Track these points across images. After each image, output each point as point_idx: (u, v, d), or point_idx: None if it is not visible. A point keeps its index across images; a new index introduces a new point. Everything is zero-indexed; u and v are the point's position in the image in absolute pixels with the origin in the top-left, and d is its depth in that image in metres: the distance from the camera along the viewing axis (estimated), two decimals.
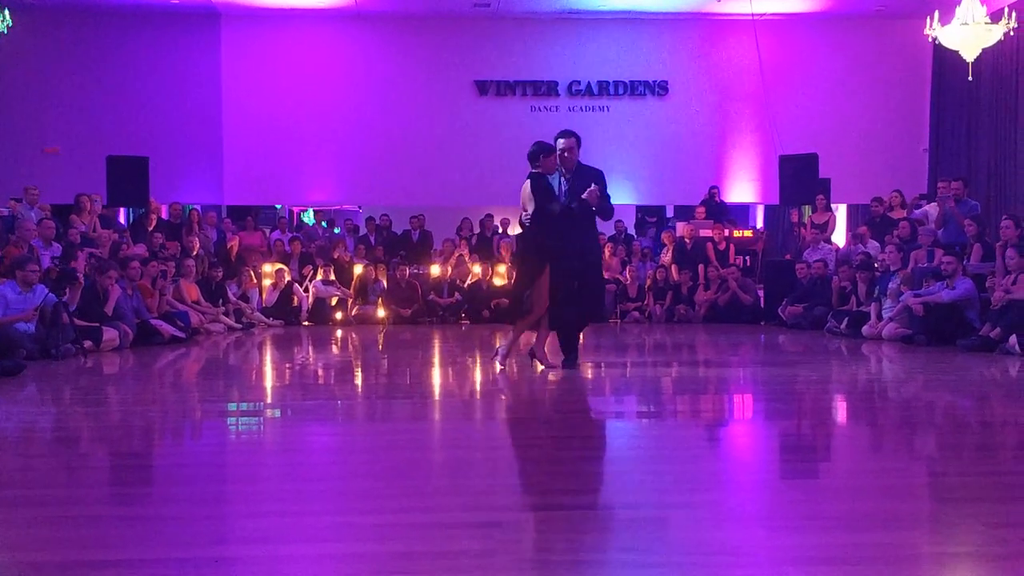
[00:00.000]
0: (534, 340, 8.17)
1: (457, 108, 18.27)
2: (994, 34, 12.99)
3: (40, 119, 17.47)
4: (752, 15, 17.45)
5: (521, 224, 8.24)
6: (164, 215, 16.00)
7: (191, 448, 5.19)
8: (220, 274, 14.10)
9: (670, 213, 18.98)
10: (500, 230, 17.52)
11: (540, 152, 8.01)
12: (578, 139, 8.19)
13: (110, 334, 10.26)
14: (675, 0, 17.45)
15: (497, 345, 8.22)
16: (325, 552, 3.07)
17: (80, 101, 17.52)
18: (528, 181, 7.99)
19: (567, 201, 7.94)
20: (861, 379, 8.33)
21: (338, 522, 3.42)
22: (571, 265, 7.88)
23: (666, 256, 16.41)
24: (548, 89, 18.36)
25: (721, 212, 17.22)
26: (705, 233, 16.29)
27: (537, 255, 7.92)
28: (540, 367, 7.99)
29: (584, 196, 7.80)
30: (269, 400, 6.85)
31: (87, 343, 9.77)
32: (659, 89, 18.43)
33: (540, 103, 18.35)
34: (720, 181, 18.04)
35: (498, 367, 8.00)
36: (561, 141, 8.10)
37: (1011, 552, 2.97)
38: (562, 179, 8.12)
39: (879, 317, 11.83)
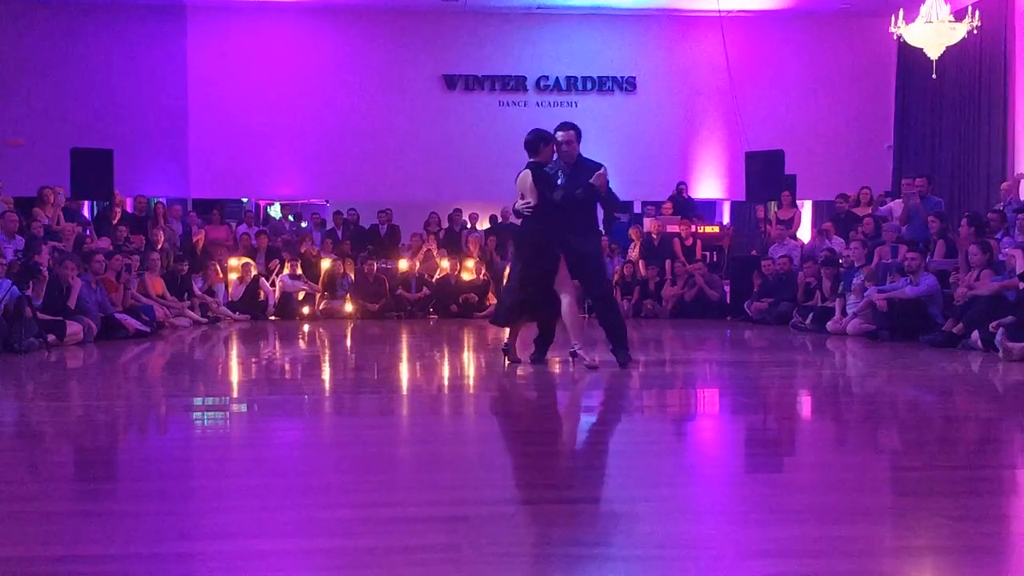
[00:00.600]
0: (506, 335, 8.13)
1: (425, 102, 18.25)
2: (958, 32, 13.13)
3: (3, 111, 17.33)
4: (719, 12, 17.53)
5: (517, 214, 8.04)
6: (129, 208, 15.87)
7: (156, 443, 5.16)
8: (186, 268, 14.01)
9: (637, 209, 19.02)
10: (468, 225, 17.51)
11: (540, 140, 7.86)
12: (578, 132, 8.04)
13: (74, 328, 10.17)
14: None
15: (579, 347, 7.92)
16: (291, 547, 3.06)
17: (44, 93, 17.36)
18: (528, 171, 7.83)
19: (572, 189, 7.77)
20: (826, 374, 8.40)
21: (304, 517, 3.41)
22: (573, 258, 7.81)
23: (633, 252, 16.46)
24: (516, 84, 18.38)
25: (688, 208, 17.29)
26: (672, 229, 16.36)
27: (545, 250, 7.76)
28: (508, 362, 7.96)
29: (592, 181, 7.69)
30: (235, 395, 6.82)
31: (50, 337, 9.68)
32: (627, 85, 18.50)
33: (508, 98, 18.36)
34: (687, 177, 18.13)
35: (586, 362, 7.80)
36: (560, 133, 7.97)
37: (972, 546, 3.01)
38: (560, 172, 7.97)
39: (844, 313, 11.93)
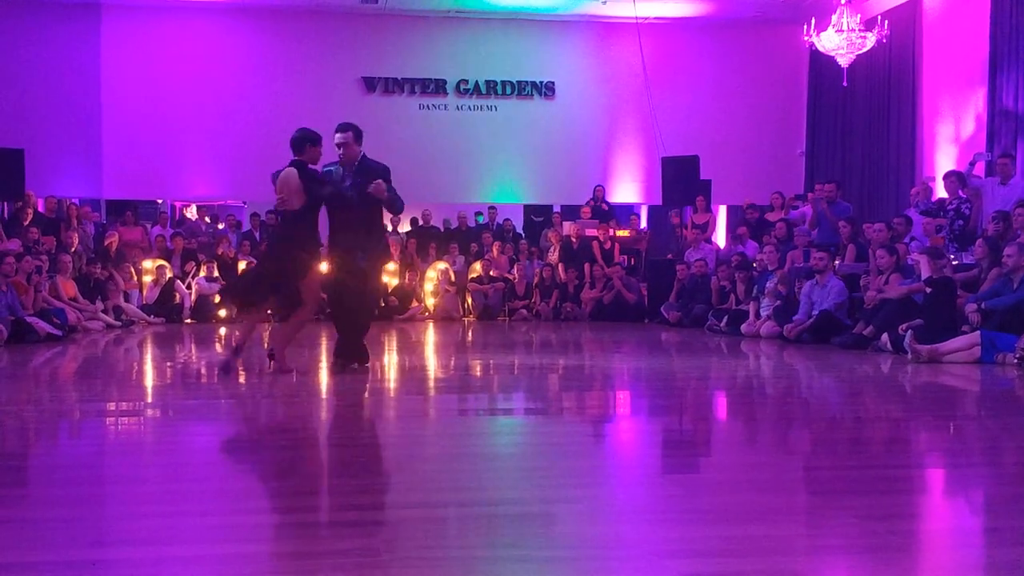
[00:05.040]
0: (269, 336, 7.93)
1: (344, 104, 18.06)
2: (867, 41, 13.44)
3: None
4: (636, 19, 17.70)
5: (276, 214, 7.94)
6: (41, 209, 15.51)
7: (68, 449, 5.06)
8: (107, 272, 13.79)
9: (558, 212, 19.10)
10: (391, 228, 17.43)
11: (305, 140, 7.68)
12: (357, 132, 7.85)
13: None
14: (562, 1, 17.61)
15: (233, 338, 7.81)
16: (207, 553, 3.03)
17: None
18: (291, 170, 7.59)
19: (344, 189, 7.62)
20: (740, 376, 8.53)
21: (220, 523, 3.38)
22: (353, 263, 7.62)
23: (553, 255, 16.56)
24: (436, 87, 18.34)
25: (607, 213, 17.42)
26: (591, 233, 16.47)
27: (305, 249, 7.55)
28: (274, 367, 7.68)
29: (370, 190, 7.48)
30: (149, 399, 6.71)
31: None
32: (546, 90, 18.57)
33: (428, 101, 18.32)
34: (605, 181, 18.26)
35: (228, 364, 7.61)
36: (338, 135, 7.80)
37: (881, 543, 3.09)
38: (345, 173, 7.76)
39: (757, 315, 12.14)
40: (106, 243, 15.37)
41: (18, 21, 17.12)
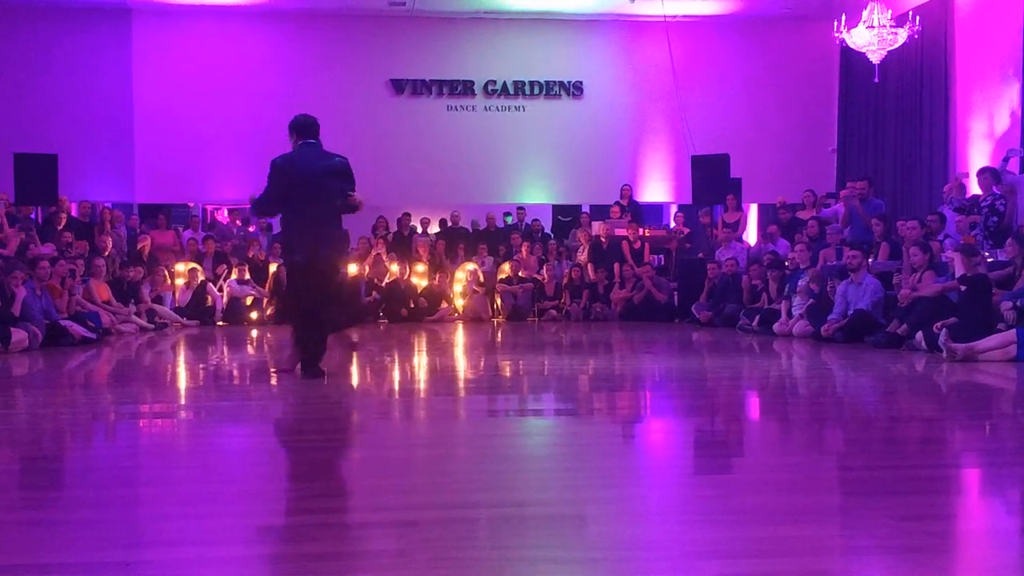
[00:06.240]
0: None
1: (372, 107, 18.18)
2: (899, 37, 13.33)
3: None
4: (665, 17, 17.65)
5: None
6: (74, 213, 15.66)
7: (102, 451, 5.09)
8: (139, 274, 13.89)
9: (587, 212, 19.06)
10: (420, 229, 17.48)
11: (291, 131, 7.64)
12: (289, 125, 7.71)
13: (19, 335, 10.02)
14: (590, 1, 17.58)
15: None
16: (238, 554, 3.04)
17: None
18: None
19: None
20: (772, 375, 8.48)
21: (253, 524, 3.39)
22: (312, 264, 7.44)
23: (582, 255, 16.52)
24: (464, 88, 18.37)
25: (636, 212, 17.38)
26: (620, 232, 16.43)
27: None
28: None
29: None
30: (182, 401, 6.75)
31: None
32: (574, 90, 18.55)
33: (456, 102, 18.35)
34: (634, 181, 18.22)
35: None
36: None
37: (917, 544, 3.05)
38: None
39: (789, 314, 12.06)
40: (139, 247, 15.49)
41: (50, 28, 17.29)
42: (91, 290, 12.72)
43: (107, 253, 14.19)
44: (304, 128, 7.57)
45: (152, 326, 13.58)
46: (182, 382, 8.09)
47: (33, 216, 15.41)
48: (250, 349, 11.21)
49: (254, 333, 13.21)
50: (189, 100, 17.60)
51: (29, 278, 10.87)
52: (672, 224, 17.69)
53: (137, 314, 13.53)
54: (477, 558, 2.96)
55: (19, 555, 3.00)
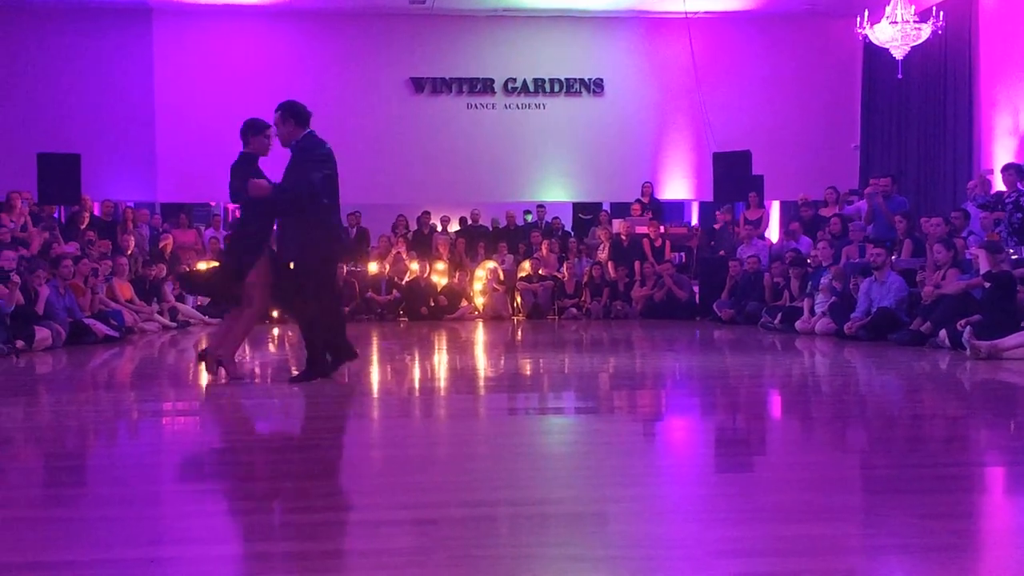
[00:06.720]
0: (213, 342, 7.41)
1: (393, 105, 18.21)
2: (922, 33, 13.25)
3: None
4: (686, 13, 17.60)
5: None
6: (96, 212, 15.76)
7: (125, 448, 5.12)
8: (162, 272, 13.96)
9: (607, 210, 19.05)
10: (440, 228, 17.50)
11: (248, 130, 7.21)
12: (284, 112, 7.11)
13: (42, 333, 10.09)
14: None
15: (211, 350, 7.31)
16: (258, 551, 3.05)
17: (10, 98, 17.18)
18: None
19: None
20: (795, 373, 8.44)
21: (272, 521, 3.40)
22: (295, 260, 7.06)
23: (602, 253, 16.49)
24: (484, 87, 18.37)
25: (657, 209, 17.34)
26: (641, 230, 16.39)
27: (252, 244, 7.07)
28: (224, 375, 7.18)
29: (250, 193, 6.93)
30: (204, 399, 6.77)
31: (19, 342, 9.60)
32: (595, 87, 18.52)
33: (476, 100, 18.35)
34: (655, 178, 18.17)
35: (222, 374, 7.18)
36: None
37: (940, 543, 3.03)
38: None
39: (811, 312, 12.01)
40: (160, 246, 15.56)
41: (71, 29, 17.40)
42: (114, 289, 12.79)
43: (129, 252, 14.26)
44: (307, 117, 7.21)
45: (175, 324, 13.64)
46: (203, 380, 8.12)
47: (56, 215, 15.51)
48: (271, 347, 11.24)
49: (275, 331, 13.25)
50: (210, 99, 17.66)
51: (52, 277, 10.95)
52: (694, 222, 17.65)
53: (160, 312, 13.60)
54: (497, 556, 2.95)
55: (43, 552, 3.02)
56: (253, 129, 7.23)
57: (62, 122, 17.02)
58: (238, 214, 7.62)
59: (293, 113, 7.10)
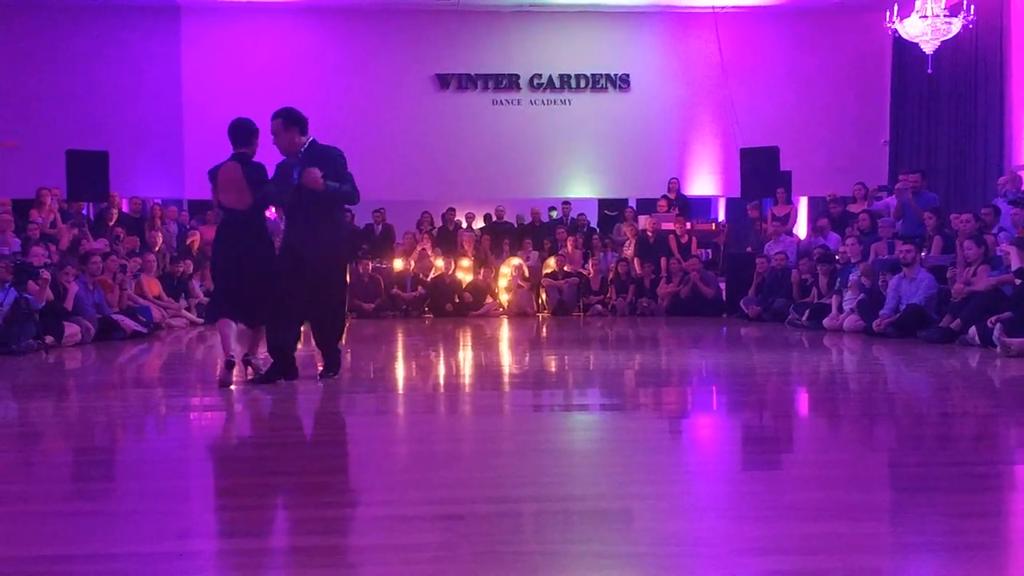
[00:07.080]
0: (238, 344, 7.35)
1: (418, 101, 18.21)
2: (953, 27, 13.12)
3: None
4: (713, 8, 17.52)
5: (223, 208, 7.38)
6: (125, 209, 15.86)
7: (153, 443, 5.15)
8: (189, 268, 14.03)
9: (633, 206, 19.01)
10: (464, 224, 17.50)
11: (251, 135, 7.27)
12: (288, 119, 7.07)
13: (71, 329, 10.18)
14: None
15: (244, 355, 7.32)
16: (286, 545, 3.06)
17: (39, 95, 17.29)
18: (233, 164, 7.20)
19: (292, 185, 6.90)
20: (823, 370, 8.40)
21: (300, 516, 3.41)
22: (307, 263, 6.98)
23: (628, 249, 16.45)
24: (509, 83, 18.33)
25: (683, 205, 17.27)
26: (667, 226, 16.33)
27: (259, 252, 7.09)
28: (251, 372, 7.23)
29: (304, 181, 6.79)
30: (232, 394, 6.80)
31: (48, 338, 9.69)
32: (621, 82, 18.46)
33: (502, 96, 18.32)
34: (682, 174, 18.08)
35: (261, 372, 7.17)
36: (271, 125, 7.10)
37: (969, 542, 3.01)
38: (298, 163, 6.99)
39: (840, 309, 11.94)
40: (188, 242, 15.64)
41: (100, 26, 17.50)
42: (142, 285, 12.87)
43: (157, 248, 14.34)
44: (307, 124, 7.18)
45: (202, 320, 13.71)
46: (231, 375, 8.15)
47: (85, 212, 15.62)
48: (297, 343, 11.25)
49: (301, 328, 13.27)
50: (237, 96, 17.68)
51: (81, 273, 11.03)
52: (721, 218, 17.57)
53: (187, 309, 13.67)
54: (522, 552, 2.95)
55: (73, 545, 3.04)
56: (255, 133, 7.38)
57: (91, 119, 17.13)
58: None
59: (296, 121, 7.09)
